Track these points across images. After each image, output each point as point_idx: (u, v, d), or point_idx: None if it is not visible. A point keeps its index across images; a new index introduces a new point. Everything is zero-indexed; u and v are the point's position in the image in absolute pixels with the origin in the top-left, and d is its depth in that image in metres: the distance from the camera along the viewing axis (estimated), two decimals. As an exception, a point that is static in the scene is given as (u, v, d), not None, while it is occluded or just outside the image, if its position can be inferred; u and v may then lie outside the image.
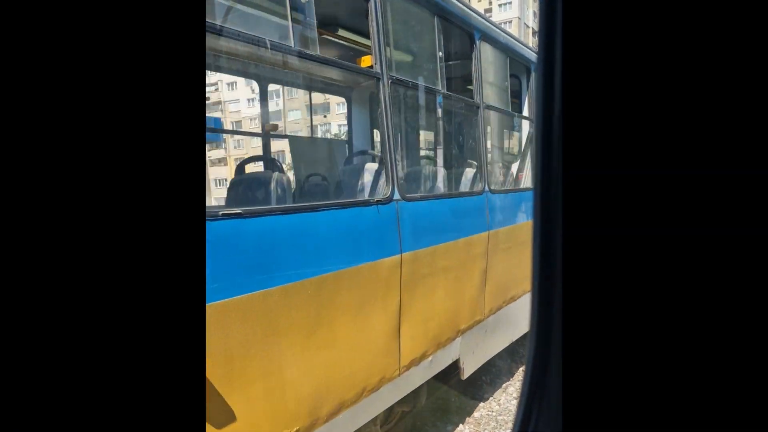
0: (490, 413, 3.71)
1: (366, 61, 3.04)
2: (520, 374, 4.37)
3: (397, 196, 2.44)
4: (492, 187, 3.64)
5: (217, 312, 1.51)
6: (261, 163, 3.89)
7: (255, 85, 4.39)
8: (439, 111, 4.65)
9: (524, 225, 4.17)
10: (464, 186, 3.65)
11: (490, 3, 48.76)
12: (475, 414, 3.69)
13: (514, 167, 4.83)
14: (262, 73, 3.68)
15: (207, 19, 1.61)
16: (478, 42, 3.41)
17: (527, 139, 4.65)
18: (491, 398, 3.94)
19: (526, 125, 4.74)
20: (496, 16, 46.62)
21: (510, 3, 47.72)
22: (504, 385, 4.19)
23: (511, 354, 4.68)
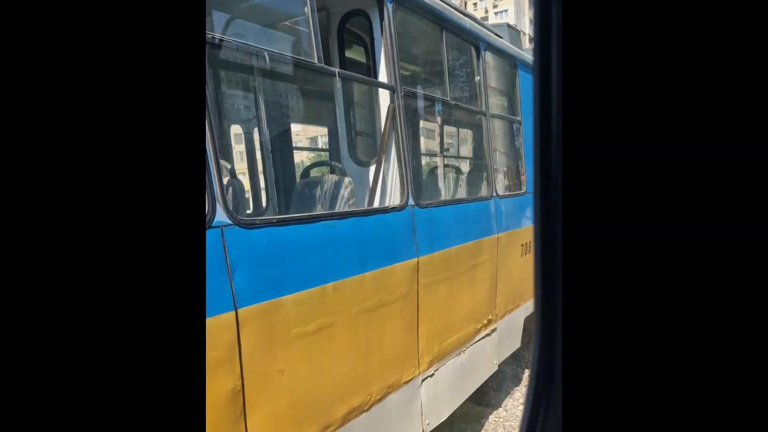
0: (497, 419, 3.69)
1: None
2: (527, 379, 4.34)
3: None
4: (242, 218, 1.72)
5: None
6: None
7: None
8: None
9: (364, 278, 2.17)
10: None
11: (486, 11, 49.13)
12: (482, 420, 3.67)
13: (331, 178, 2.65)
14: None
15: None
16: None
17: (387, 121, 2.54)
18: (498, 404, 3.92)
19: (384, 97, 2.64)
20: (492, 22, 46.82)
21: (506, 11, 48.07)
22: (511, 390, 4.17)
23: (516, 359, 4.65)
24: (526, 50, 4.43)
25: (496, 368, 3.61)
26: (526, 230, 4.02)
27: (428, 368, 2.70)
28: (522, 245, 3.98)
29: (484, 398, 3.97)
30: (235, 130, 3.90)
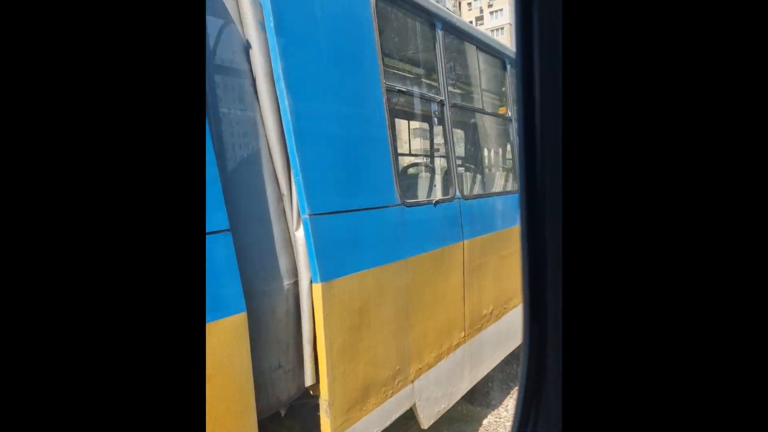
0: (498, 420, 3.68)
1: None
2: (527, 379, 4.33)
3: None
4: None
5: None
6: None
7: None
8: None
9: None
10: None
11: (481, 11, 49.20)
12: (484, 421, 3.65)
13: None
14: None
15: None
16: None
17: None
18: (499, 404, 3.91)
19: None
20: (488, 23, 47.06)
21: (501, 10, 48.16)
22: (512, 390, 4.15)
23: (517, 358, 4.64)
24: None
25: None
26: None
27: None
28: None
29: (486, 398, 3.96)
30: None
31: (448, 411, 3.02)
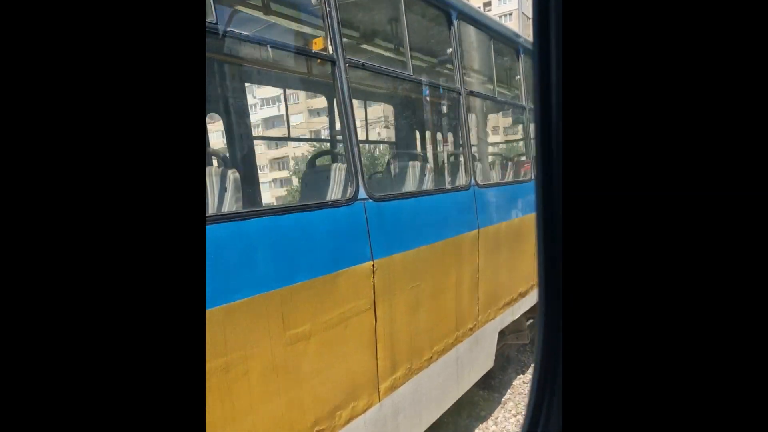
0: (486, 433, 3.46)
1: None
2: (519, 387, 4.12)
3: None
4: None
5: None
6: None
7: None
8: None
9: None
10: None
11: (490, -4, 48.39)
12: (471, 434, 3.44)
13: None
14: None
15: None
16: None
17: None
18: (488, 415, 3.69)
19: None
20: (496, 9, 46.45)
21: (509, -5, 47.40)
22: (502, 399, 3.93)
23: (514, 361, 4.43)
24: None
25: None
26: None
27: None
28: None
29: (474, 409, 3.74)
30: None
31: (437, 421, 2.79)
